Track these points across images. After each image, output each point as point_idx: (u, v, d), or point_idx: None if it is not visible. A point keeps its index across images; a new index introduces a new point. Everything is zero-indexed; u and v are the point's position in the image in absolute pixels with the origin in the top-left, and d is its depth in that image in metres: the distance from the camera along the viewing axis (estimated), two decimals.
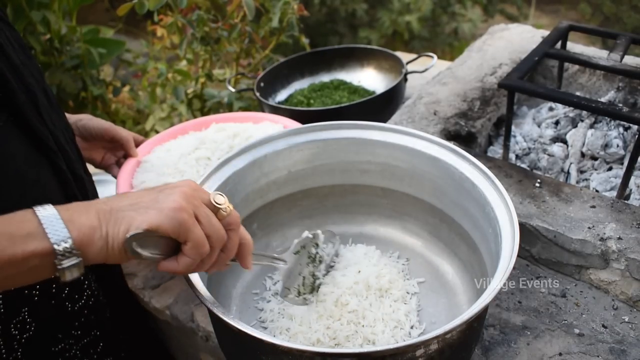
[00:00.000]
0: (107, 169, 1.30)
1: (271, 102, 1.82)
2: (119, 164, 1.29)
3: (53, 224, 0.62)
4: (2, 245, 0.60)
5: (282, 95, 1.90)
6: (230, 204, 0.73)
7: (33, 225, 0.61)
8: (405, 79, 1.71)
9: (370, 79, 1.90)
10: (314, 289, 1.03)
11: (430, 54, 1.79)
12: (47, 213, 0.62)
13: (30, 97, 0.91)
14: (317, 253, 1.05)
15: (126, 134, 1.27)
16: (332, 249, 1.10)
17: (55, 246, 0.61)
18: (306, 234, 1.03)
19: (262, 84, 1.81)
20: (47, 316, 0.95)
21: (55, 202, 0.76)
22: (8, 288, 0.65)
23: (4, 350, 0.91)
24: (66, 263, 0.62)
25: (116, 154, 1.31)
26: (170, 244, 0.70)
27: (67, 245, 0.62)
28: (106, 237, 0.64)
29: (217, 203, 0.71)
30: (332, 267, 1.09)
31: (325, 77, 1.93)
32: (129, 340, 1.18)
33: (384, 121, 1.41)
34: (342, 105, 1.62)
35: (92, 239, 0.63)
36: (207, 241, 0.69)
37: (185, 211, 0.66)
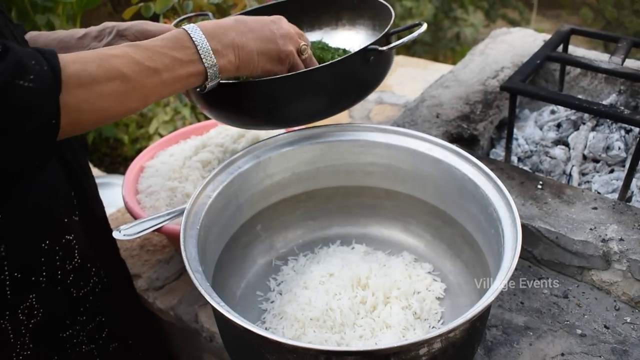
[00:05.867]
0: None
1: None
2: None
3: (207, 54, 0.85)
4: (174, 67, 0.82)
5: None
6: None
7: (192, 52, 0.84)
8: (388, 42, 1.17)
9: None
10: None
11: (419, 22, 1.45)
12: (202, 44, 0.84)
13: None
14: None
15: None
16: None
17: (208, 70, 0.86)
18: None
19: None
20: (53, 302, 0.97)
21: (61, 190, 0.95)
22: (167, 96, 0.88)
23: (11, 335, 0.93)
24: (210, 83, 0.88)
25: None
26: None
27: (214, 70, 0.86)
28: (237, 70, 0.91)
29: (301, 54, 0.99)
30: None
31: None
32: (132, 333, 1.20)
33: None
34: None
35: (228, 70, 0.89)
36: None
37: (290, 55, 0.96)
